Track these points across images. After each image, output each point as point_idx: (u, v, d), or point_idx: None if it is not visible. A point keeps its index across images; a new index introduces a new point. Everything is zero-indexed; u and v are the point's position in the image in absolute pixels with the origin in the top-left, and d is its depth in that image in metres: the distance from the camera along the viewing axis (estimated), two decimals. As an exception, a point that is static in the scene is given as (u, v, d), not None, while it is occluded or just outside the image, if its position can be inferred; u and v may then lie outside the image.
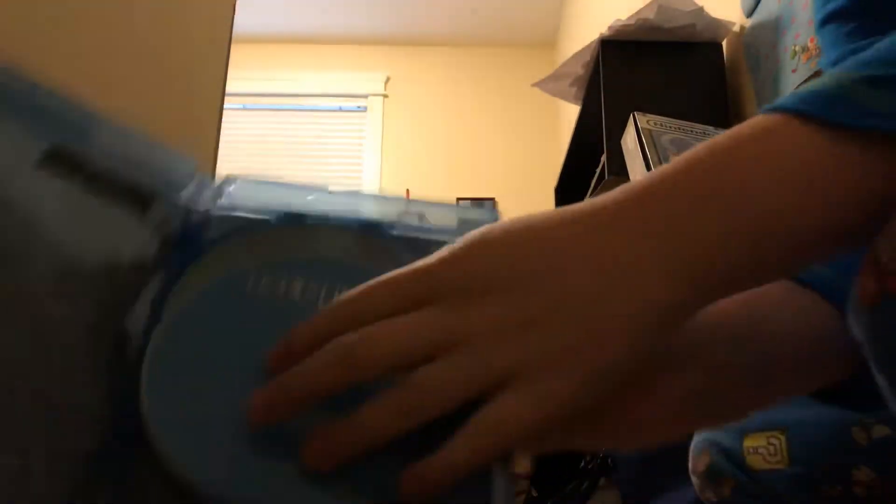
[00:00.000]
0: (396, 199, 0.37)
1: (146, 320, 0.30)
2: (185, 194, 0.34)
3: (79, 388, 0.28)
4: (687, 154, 0.31)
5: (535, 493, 1.34)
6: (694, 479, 0.64)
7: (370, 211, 0.37)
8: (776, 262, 0.30)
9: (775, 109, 0.31)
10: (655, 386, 0.34)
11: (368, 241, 0.34)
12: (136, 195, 0.31)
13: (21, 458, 0.26)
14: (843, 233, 0.30)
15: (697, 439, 0.63)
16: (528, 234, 0.30)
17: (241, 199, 0.35)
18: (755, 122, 0.31)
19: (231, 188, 0.36)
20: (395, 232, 0.35)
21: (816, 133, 0.29)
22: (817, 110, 0.30)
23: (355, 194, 0.44)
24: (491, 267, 0.29)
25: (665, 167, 0.31)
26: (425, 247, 0.32)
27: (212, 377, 0.29)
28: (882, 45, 0.31)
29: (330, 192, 0.37)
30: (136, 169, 0.32)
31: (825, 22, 0.55)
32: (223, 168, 1.41)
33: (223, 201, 0.35)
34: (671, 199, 0.30)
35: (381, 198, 0.38)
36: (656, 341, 0.30)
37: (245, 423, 0.27)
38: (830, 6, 0.54)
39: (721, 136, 0.31)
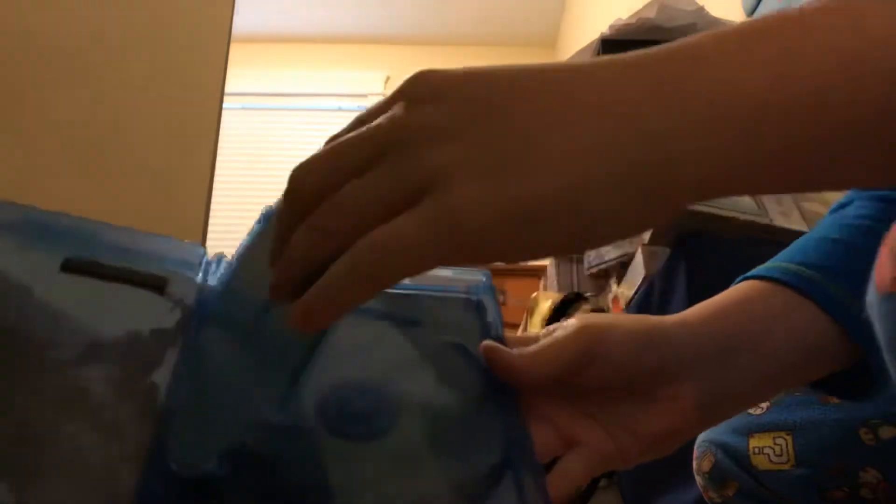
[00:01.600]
0: None
1: (172, 376, 0.34)
2: (200, 273, 0.40)
3: (111, 437, 0.32)
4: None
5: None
6: (698, 480, 0.63)
7: None
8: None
9: None
10: (675, 396, 0.38)
11: None
12: (152, 280, 0.37)
13: None
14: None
15: (701, 439, 0.62)
16: (502, 67, 0.28)
17: None
18: None
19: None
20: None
21: None
22: None
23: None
24: (451, 80, 0.28)
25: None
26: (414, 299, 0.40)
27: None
28: None
29: None
30: (146, 260, 0.37)
31: None
32: (222, 167, 1.41)
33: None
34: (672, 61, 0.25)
35: None
36: (612, 200, 0.25)
37: None
38: None
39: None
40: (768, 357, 0.39)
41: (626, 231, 0.26)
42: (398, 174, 0.26)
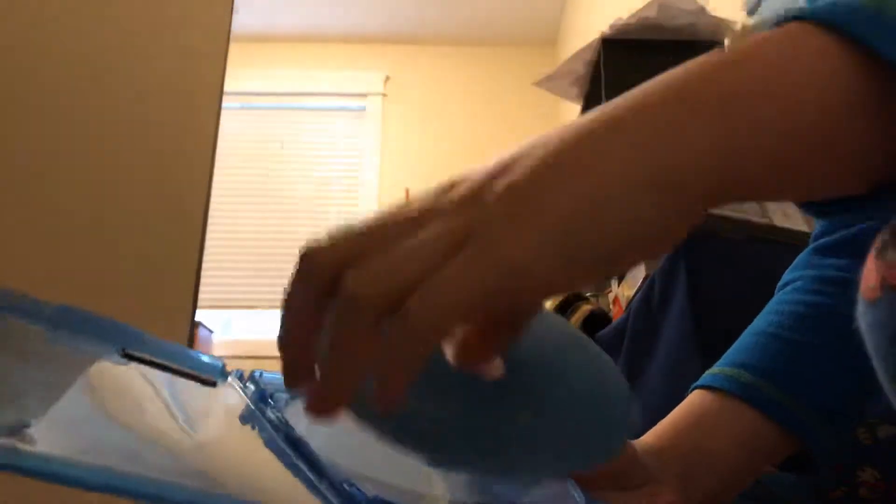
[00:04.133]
0: None
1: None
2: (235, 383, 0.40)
3: None
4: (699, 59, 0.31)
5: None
6: (697, 480, 0.63)
7: None
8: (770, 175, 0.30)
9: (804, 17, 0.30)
10: (660, 492, 0.45)
11: None
12: (203, 378, 0.37)
13: None
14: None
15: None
16: (527, 143, 0.30)
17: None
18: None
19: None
20: None
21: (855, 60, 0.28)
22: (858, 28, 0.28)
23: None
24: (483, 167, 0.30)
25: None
26: None
27: None
28: None
29: None
30: (180, 363, 0.38)
31: None
32: (222, 168, 1.41)
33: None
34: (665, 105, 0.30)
35: None
36: (632, 229, 0.28)
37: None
38: None
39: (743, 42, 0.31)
40: (720, 463, 0.48)
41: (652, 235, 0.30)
42: (436, 236, 0.27)
